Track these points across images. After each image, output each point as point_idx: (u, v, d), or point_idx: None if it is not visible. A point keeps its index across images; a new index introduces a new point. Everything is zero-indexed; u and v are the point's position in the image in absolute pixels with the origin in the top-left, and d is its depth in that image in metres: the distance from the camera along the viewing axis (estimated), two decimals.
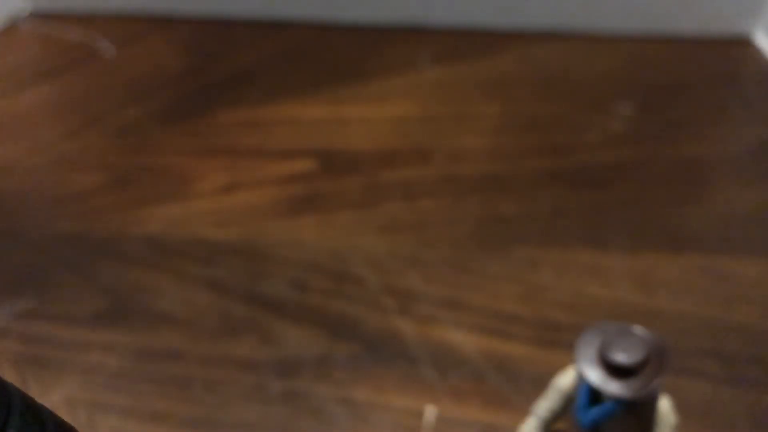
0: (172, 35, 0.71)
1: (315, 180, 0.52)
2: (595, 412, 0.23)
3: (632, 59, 0.65)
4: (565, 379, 0.27)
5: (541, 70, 0.64)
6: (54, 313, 0.42)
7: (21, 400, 0.15)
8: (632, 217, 0.47)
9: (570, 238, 0.45)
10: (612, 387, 0.22)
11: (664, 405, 0.26)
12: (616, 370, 0.22)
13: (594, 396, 0.23)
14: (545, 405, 0.28)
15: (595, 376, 0.23)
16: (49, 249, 0.46)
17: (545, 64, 0.65)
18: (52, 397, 0.37)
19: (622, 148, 0.54)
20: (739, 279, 0.42)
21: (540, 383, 0.32)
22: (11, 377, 0.38)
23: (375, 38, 0.69)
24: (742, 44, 0.66)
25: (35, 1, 0.75)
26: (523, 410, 0.32)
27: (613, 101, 0.59)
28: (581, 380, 0.23)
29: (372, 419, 0.35)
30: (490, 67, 0.64)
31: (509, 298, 0.41)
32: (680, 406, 0.30)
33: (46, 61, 0.68)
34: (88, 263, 0.45)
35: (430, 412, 0.35)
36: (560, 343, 0.38)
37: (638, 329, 0.24)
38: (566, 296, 0.41)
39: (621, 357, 0.22)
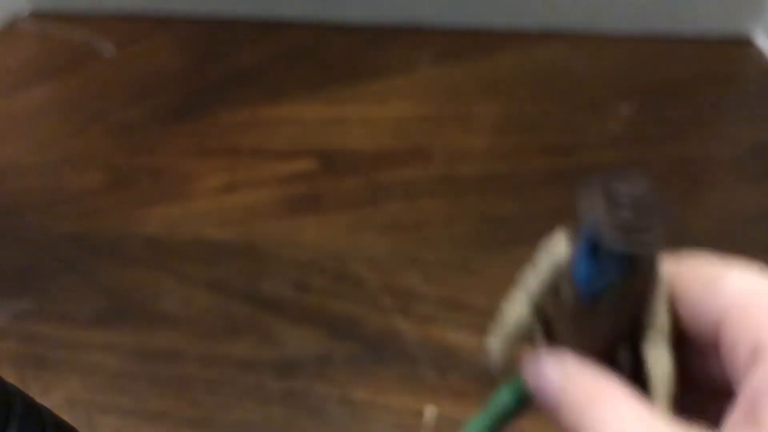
0: (173, 35, 0.71)
1: (315, 180, 0.52)
2: (597, 275, 0.20)
3: (632, 59, 0.65)
4: (558, 246, 0.22)
5: (541, 70, 0.64)
6: (54, 313, 0.42)
7: (21, 400, 0.15)
8: None
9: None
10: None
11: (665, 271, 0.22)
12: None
13: (594, 258, 0.21)
14: (536, 279, 0.22)
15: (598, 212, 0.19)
16: (49, 249, 0.46)
17: (545, 64, 0.65)
18: (52, 397, 0.37)
19: (621, 148, 0.54)
20: None
21: None
22: (11, 377, 0.37)
23: (375, 38, 0.69)
24: (743, 44, 0.66)
25: (35, 1, 0.75)
26: None
27: (613, 101, 0.59)
28: (579, 239, 0.20)
29: (372, 419, 0.35)
30: (489, 67, 0.64)
31: None
32: None
33: (47, 60, 0.68)
34: (89, 263, 0.45)
35: (430, 412, 0.35)
36: None
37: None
38: None
39: (627, 186, 0.19)
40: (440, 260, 0.44)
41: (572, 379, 0.21)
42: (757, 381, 0.18)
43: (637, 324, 0.21)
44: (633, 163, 0.52)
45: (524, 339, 0.22)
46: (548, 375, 0.21)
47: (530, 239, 0.49)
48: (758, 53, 0.65)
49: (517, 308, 0.22)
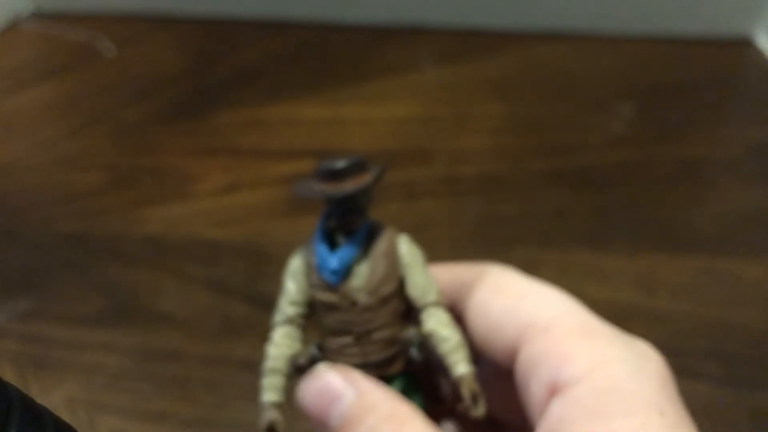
0: (174, 35, 0.71)
1: None
2: (341, 253, 0.20)
3: (634, 60, 0.65)
4: (293, 264, 0.21)
5: (542, 70, 0.64)
6: (54, 313, 0.42)
7: (21, 400, 0.14)
8: (633, 217, 0.47)
9: (570, 238, 0.45)
10: (334, 189, 0.19)
11: (403, 244, 0.21)
12: (331, 177, 0.19)
13: (330, 241, 0.20)
14: (285, 300, 0.21)
15: (315, 188, 0.19)
16: (49, 249, 0.46)
17: (546, 65, 0.65)
18: (53, 397, 0.37)
19: (623, 148, 0.54)
20: (739, 280, 0.42)
21: None
22: (11, 377, 0.38)
23: (376, 38, 0.69)
24: (743, 45, 0.66)
25: (37, 1, 0.75)
26: None
27: (615, 102, 0.59)
28: (313, 236, 0.21)
29: None
30: (491, 68, 0.64)
31: None
32: None
33: (48, 60, 0.68)
34: (89, 263, 0.45)
35: None
36: None
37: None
38: None
39: (331, 164, 0.19)
40: (440, 260, 0.44)
41: (366, 398, 0.18)
42: (554, 416, 0.16)
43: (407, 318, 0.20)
44: (634, 164, 0.52)
45: (304, 371, 0.20)
46: (338, 392, 0.18)
47: (531, 239, 0.50)
48: (759, 54, 0.65)
49: (278, 338, 0.21)
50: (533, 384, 0.17)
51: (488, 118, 0.58)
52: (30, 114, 0.61)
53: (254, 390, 0.37)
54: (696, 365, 0.37)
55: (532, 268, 0.43)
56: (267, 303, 0.42)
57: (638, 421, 0.15)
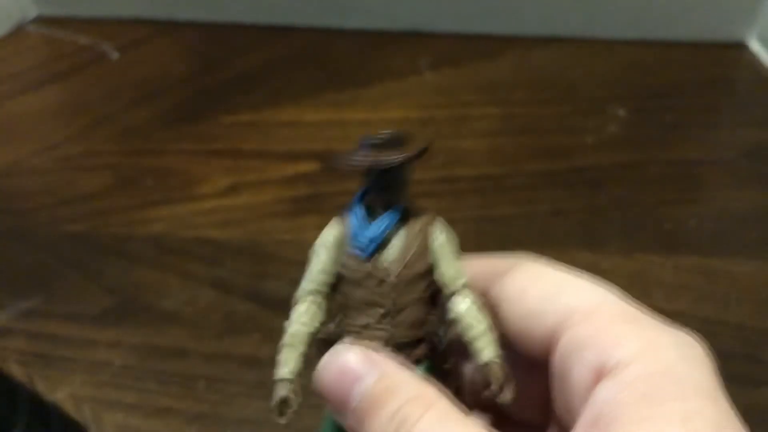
0: (176, 39, 0.72)
1: (317, 181, 0.52)
2: (377, 225, 0.19)
3: (629, 64, 0.65)
4: (328, 233, 0.20)
5: (539, 74, 0.65)
6: (60, 311, 0.42)
7: (28, 396, 0.15)
8: (628, 218, 0.48)
9: (567, 239, 0.46)
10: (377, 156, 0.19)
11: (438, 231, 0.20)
12: (375, 148, 0.19)
13: (369, 214, 0.20)
14: (316, 268, 0.20)
15: (363, 156, 0.19)
16: (55, 249, 0.47)
17: (543, 69, 0.65)
18: (58, 394, 0.37)
19: (618, 150, 0.54)
20: (733, 279, 0.43)
21: None
22: (18, 374, 0.38)
23: (376, 43, 0.70)
24: (737, 49, 0.67)
25: (42, 6, 0.76)
26: None
27: (610, 105, 0.59)
28: (352, 206, 0.20)
29: None
30: (488, 72, 0.65)
31: None
32: None
33: (52, 64, 0.69)
34: (94, 263, 0.46)
35: None
36: None
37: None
38: None
39: (375, 136, 0.20)
40: None
41: (390, 380, 0.17)
42: (603, 400, 0.15)
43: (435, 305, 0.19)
44: (629, 165, 0.53)
45: (323, 350, 0.19)
46: (358, 373, 0.17)
47: (527, 240, 0.50)
48: (752, 57, 0.65)
49: (298, 313, 0.20)
50: (576, 369, 0.17)
51: (485, 121, 0.58)
52: (35, 116, 0.61)
53: (258, 387, 0.38)
54: None
55: None
56: (269, 301, 0.43)
57: (692, 407, 0.15)
